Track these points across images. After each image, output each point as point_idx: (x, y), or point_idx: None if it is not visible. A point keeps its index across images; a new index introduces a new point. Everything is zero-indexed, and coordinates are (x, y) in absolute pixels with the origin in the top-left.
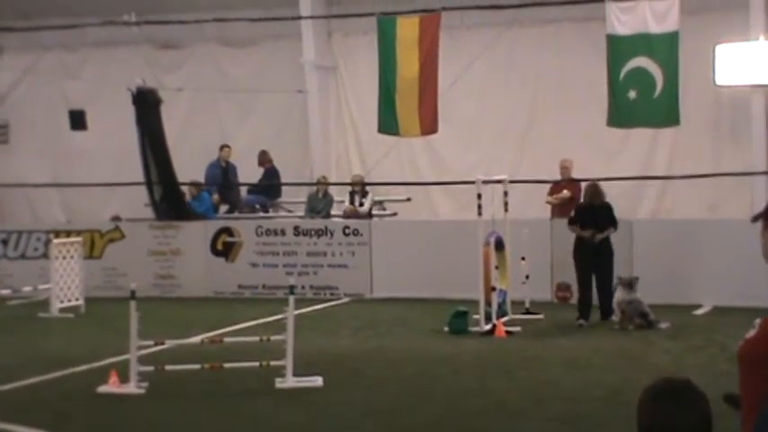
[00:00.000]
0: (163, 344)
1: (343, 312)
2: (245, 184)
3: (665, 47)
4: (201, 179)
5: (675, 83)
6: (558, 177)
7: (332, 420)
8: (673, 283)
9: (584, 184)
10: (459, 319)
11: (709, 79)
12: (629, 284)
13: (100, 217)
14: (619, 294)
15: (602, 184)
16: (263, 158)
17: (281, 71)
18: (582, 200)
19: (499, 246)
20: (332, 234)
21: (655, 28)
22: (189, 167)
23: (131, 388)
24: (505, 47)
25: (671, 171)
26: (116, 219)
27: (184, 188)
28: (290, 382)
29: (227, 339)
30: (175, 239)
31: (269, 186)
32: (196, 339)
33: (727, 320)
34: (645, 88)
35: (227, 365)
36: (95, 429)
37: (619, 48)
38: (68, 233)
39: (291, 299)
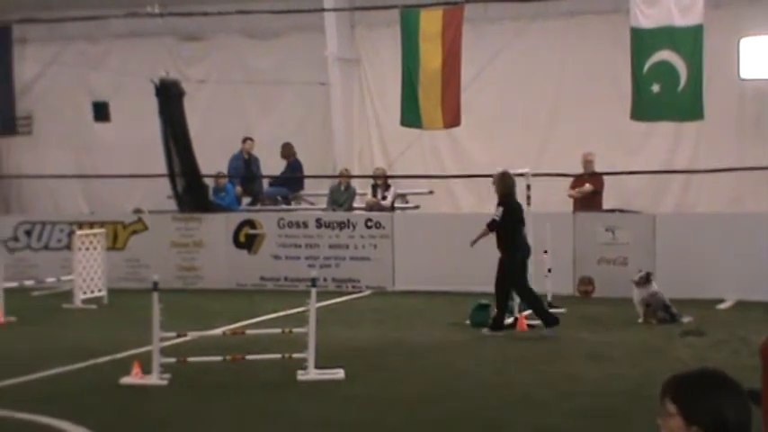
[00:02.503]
0: (185, 335)
1: (365, 305)
2: (267, 177)
3: (689, 40)
4: (224, 171)
5: (699, 76)
6: (581, 171)
7: (354, 413)
8: (695, 277)
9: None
10: (481, 312)
11: (734, 73)
12: (646, 279)
13: (123, 208)
14: (638, 292)
15: (626, 178)
16: (287, 151)
17: (304, 63)
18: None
19: None
20: (354, 227)
21: (679, 21)
22: (212, 159)
23: (154, 379)
24: (529, 40)
25: (694, 165)
26: (138, 211)
27: (208, 179)
28: (311, 374)
29: (249, 331)
30: (198, 231)
31: (291, 179)
32: (218, 331)
33: (750, 315)
34: (669, 82)
35: (249, 357)
36: (117, 420)
37: (643, 41)
38: (91, 224)
39: (313, 291)
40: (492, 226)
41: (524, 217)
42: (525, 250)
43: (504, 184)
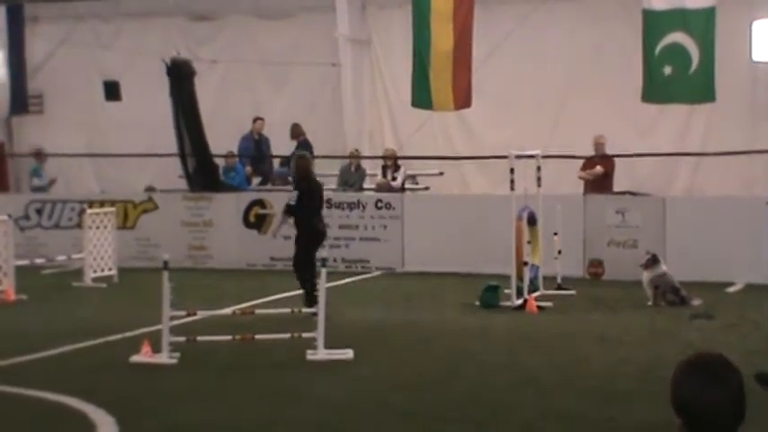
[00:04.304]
0: (195, 314)
1: (375, 286)
2: (277, 157)
3: (701, 22)
4: (235, 151)
5: (711, 59)
6: (592, 153)
7: (362, 393)
8: (705, 260)
9: None
10: (491, 293)
11: (746, 55)
12: (653, 261)
13: (133, 187)
14: (646, 275)
15: (637, 161)
16: (296, 131)
17: (316, 44)
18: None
19: (532, 221)
20: (364, 207)
21: (691, 3)
22: (222, 139)
23: (163, 358)
24: (540, 21)
25: (705, 148)
26: (150, 189)
27: (219, 159)
28: (321, 354)
29: (258, 311)
30: (208, 211)
31: None
32: (228, 311)
33: (760, 298)
34: (680, 64)
35: (258, 337)
36: (127, 398)
37: (655, 23)
38: (102, 203)
39: (323, 271)
40: (287, 211)
41: (322, 198)
42: (320, 233)
43: (299, 168)
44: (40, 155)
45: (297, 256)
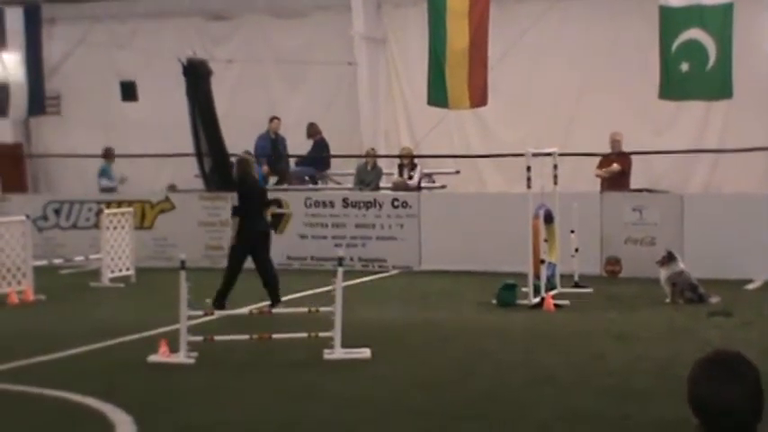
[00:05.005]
0: (212, 314)
1: (392, 284)
2: (294, 156)
3: (718, 18)
4: (251, 151)
5: (729, 55)
6: (609, 150)
7: (380, 392)
8: (723, 257)
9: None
10: (508, 291)
11: (764, 51)
12: (669, 258)
13: (150, 188)
14: (663, 272)
15: (654, 158)
16: (312, 131)
17: (331, 43)
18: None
19: (548, 219)
20: (381, 206)
21: None
22: (238, 139)
23: (181, 357)
24: (555, 19)
25: (723, 144)
26: (172, 188)
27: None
28: (338, 353)
29: (275, 310)
30: (225, 210)
31: (318, 158)
32: (245, 310)
33: None
34: (698, 60)
35: (275, 336)
36: (145, 398)
37: (671, 19)
38: (119, 204)
39: (340, 270)
40: (235, 213)
41: (263, 198)
42: (261, 232)
43: (237, 170)
44: (109, 154)
45: (232, 255)
